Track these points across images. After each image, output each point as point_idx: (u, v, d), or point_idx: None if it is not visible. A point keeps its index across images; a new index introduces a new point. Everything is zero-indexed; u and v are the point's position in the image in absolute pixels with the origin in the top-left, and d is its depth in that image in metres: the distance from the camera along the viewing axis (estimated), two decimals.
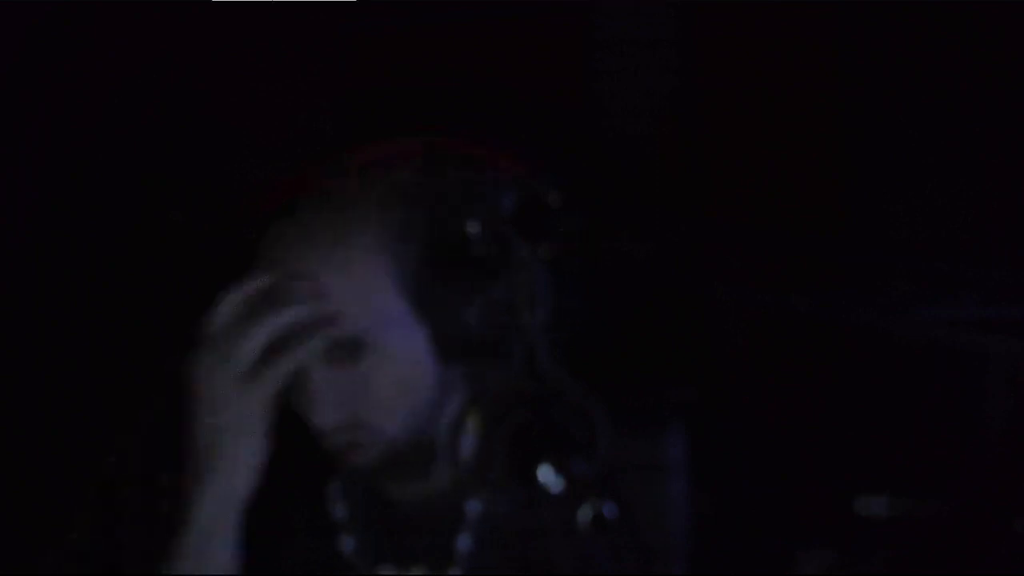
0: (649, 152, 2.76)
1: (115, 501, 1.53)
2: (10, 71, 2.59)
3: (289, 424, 1.45)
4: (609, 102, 2.79)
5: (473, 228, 1.34)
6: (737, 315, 2.55)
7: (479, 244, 1.36)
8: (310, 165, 1.50)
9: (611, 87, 2.79)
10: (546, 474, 1.21)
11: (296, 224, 1.43)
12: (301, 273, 1.40)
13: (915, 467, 2.21)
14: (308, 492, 1.51)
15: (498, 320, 1.42)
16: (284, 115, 2.70)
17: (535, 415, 1.26)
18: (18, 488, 2.48)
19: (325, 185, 1.45)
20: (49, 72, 2.64)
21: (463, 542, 1.50)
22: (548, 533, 1.49)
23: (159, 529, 1.45)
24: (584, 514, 1.21)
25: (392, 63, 2.77)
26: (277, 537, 1.44)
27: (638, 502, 1.47)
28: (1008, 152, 2.61)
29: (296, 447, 1.46)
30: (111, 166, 2.66)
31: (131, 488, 1.53)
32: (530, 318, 1.30)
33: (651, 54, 2.79)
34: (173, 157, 2.67)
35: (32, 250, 2.63)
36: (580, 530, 1.21)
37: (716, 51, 2.78)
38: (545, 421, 1.25)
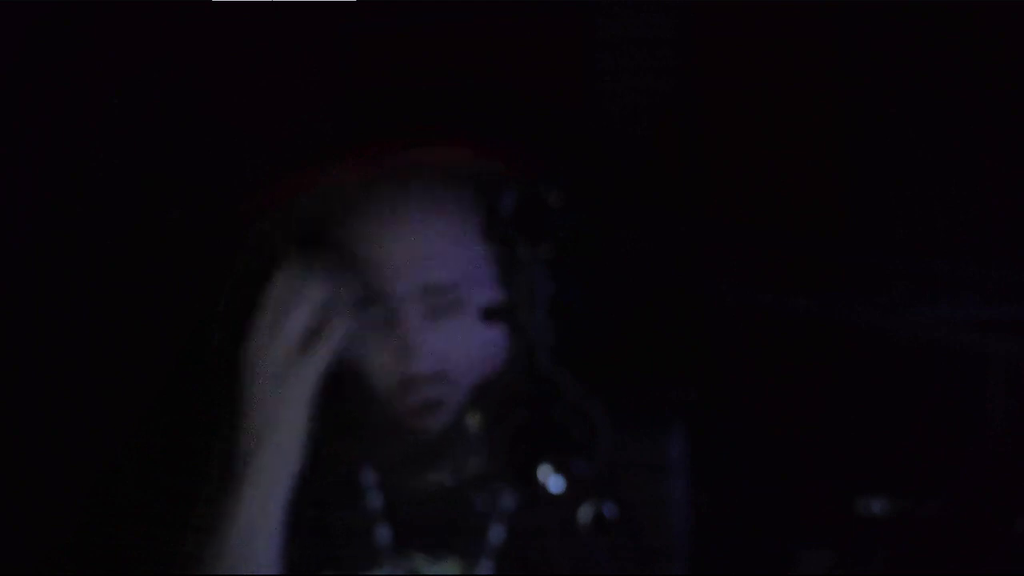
0: (649, 152, 2.76)
1: (115, 501, 1.53)
2: (10, 71, 2.59)
3: (326, 413, 1.46)
4: (609, 102, 2.79)
5: (509, 201, 1.34)
6: (737, 315, 2.55)
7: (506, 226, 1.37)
8: (310, 165, 1.51)
9: (611, 87, 2.79)
10: (546, 474, 1.21)
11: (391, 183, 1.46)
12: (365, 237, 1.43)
13: (915, 467, 2.21)
14: (343, 482, 1.52)
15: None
16: (284, 115, 2.70)
17: (535, 415, 1.26)
18: (18, 488, 2.48)
19: (396, 165, 1.47)
20: (49, 72, 2.64)
21: (496, 535, 1.51)
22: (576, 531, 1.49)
23: (159, 529, 1.45)
24: (584, 514, 1.21)
25: (392, 63, 2.77)
26: (313, 528, 1.45)
27: (638, 502, 1.47)
28: (1008, 152, 2.61)
29: (333, 437, 1.46)
30: (110, 166, 2.66)
31: (131, 488, 1.53)
32: (530, 318, 1.30)
33: (651, 54, 2.79)
34: (173, 157, 2.66)
35: (32, 250, 2.63)
36: (580, 530, 1.21)
37: (716, 51, 2.78)
38: (545, 421, 1.25)
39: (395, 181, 1.47)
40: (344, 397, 1.50)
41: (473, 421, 1.30)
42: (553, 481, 1.20)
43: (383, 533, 1.50)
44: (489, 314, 1.42)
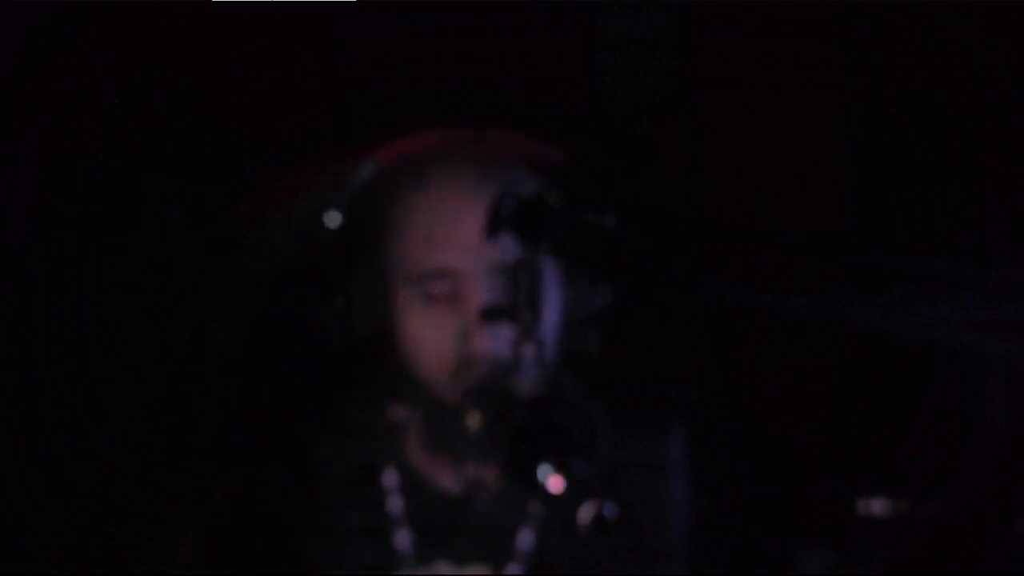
0: (649, 152, 2.75)
1: (115, 501, 1.53)
2: (10, 71, 2.59)
3: (345, 417, 1.45)
4: (609, 102, 2.79)
5: (509, 201, 1.34)
6: (737, 315, 2.55)
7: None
8: (310, 165, 1.50)
9: (611, 87, 2.79)
10: (546, 474, 1.21)
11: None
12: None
13: (915, 467, 2.20)
14: (362, 485, 1.50)
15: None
16: (284, 115, 2.70)
17: (535, 415, 1.26)
18: (18, 488, 2.48)
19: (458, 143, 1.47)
20: (49, 72, 2.64)
21: (525, 539, 1.49)
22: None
23: (159, 529, 1.45)
24: (584, 514, 1.20)
25: (392, 63, 2.77)
26: (332, 531, 1.44)
27: (638, 502, 1.46)
28: (1008, 152, 2.61)
29: (351, 440, 1.45)
30: (111, 166, 2.66)
31: (131, 488, 1.52)
32: (531, 318, 1.30)
33: (651, 54, 2.79)
34: (173, 157, 2.66)
35: (32, 250, 2.63)
36: (580, 530, 1.21)
37: (716, 51, 2.78)
38: (545, 421, 1.25)
39: (463, 157, 1.45)
40: (370, 394, 1.49)
41: (473, 421, 1.29)
42: (553, 481, 1.20)
43: (403, 537, 1.48)
44: (490, 314, 1.42)
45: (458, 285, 1.43)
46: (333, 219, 1.45)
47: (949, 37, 2.65)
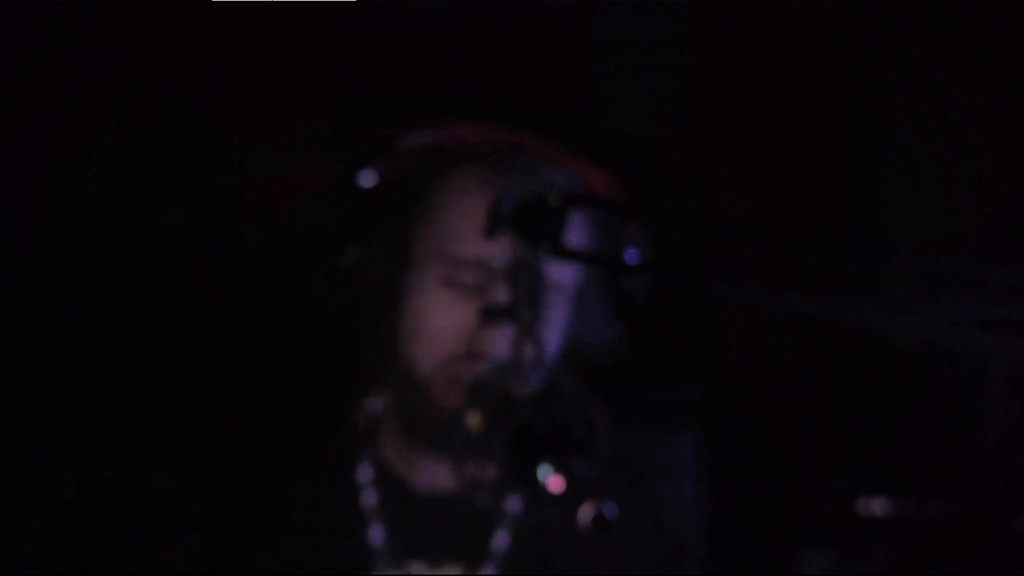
0: (650, 152, 2.75)
1: (115, 501, 1.52)
2: (10, 71, 2.59)
3: (319, 407, 1.44)
4: (609, 102, 2.79)
5: (509, 201, 1.32)
6: (737, 315, 2.55)
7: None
8: (310, 165, 1.50)
9: (611, 87, 2.79)
10: (546, 474, 1.20)
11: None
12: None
13: (915, 467, 2.21)
14: (336, 478, 1.48)
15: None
16: (284, 115, 2.70)
17: (535, 415, 1.25)
18: (18, 488, 2.48)
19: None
20: (49, 72, 2.64)
21: (500, 540, 1.48)
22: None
23: (161, 528, 1.45)
24: (584, 514, 1.20)
25: (392, 63, 2.77)
26: (303, 526, 1.43)
27: (640, 502, 1.46)
28: (1008, 152, 2.61)
29: (326, 431, 1.45)
30: (110, 166, 2.66)
31: (131, 488, 1.52)
32: (532, 317, 1.30)
33: (651, 54, 2.79)
34: (173, 157, 2.66)
35: (32, 250, 2.63)
36: (580, 530, 1.21)
37: (716, 51, 2.78)
38: (545, 421, 1.25)
39: (519, 151, 1.44)
40: (347, 386, 1.49)
41: (473, 421, 1.29)
42: (553, 481, 1.20)
43: (376, 533, 1.47)
44: (490, 314, 1.41)
45: (486, 278, 1.42)
46: (368, 179, 1.43)
47: (949, 37, 2.65)
